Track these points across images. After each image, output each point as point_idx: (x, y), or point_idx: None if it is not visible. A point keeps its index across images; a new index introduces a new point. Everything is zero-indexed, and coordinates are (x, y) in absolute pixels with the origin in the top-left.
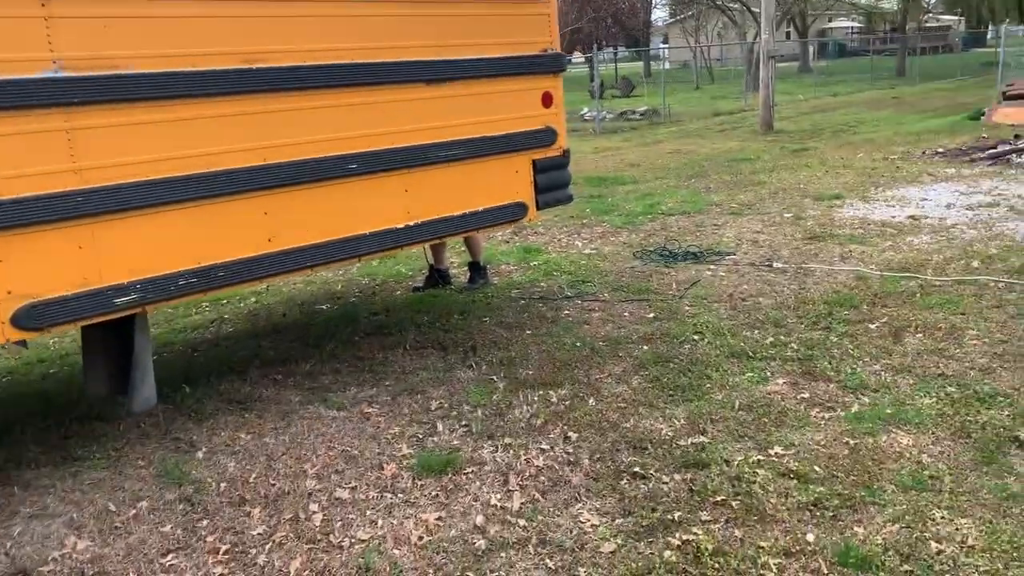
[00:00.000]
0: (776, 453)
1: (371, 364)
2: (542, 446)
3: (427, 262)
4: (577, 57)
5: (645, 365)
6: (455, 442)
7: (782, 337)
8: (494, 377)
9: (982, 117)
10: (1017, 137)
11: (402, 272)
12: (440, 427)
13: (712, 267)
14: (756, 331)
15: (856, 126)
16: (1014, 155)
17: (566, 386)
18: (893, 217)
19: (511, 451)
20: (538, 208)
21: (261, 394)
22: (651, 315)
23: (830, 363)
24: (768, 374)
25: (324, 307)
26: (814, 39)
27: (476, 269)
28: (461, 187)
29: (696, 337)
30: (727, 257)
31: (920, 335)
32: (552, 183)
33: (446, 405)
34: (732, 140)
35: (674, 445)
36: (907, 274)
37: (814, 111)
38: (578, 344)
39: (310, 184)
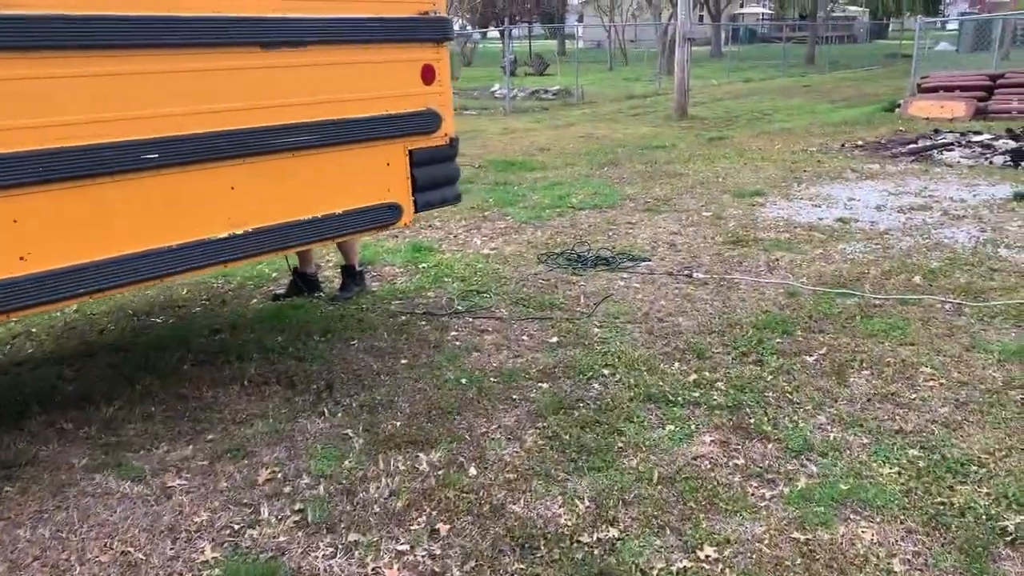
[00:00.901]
0: (708, 557)
1: (195, 408)
2: (399, 546)
3: (288, 265)
4: (491, 32)
5: (543, 413)
6: (281, 538)
7: (707, 373)
8: (350, 431)
9: (897, 109)
10: (936, 132)
11: (264, 273)
12: (265, 512)
13: (625, 276)
14: (676, 363)
15: (771, 114)
16: (935, 151)
17: (442, 445)
18: (820, 220)
19: (355, 556)
20: (416, 210)
21: (37, 453)
22: (554, 339)
23: (766, 413)
24: (693, 427)
25: (159, 320)
26: (727, 23)
27: (350, 275)
28: (311, 184)
29: (606, 372)
30: (642, 264)
31: (867, 372)
32: (434, 179)
33: (279, 475)
34: (646, 125)
35: (575, 543)
36: (843, 290)
37: (727, 97)
38: (463, 381)
39: (78, 181)
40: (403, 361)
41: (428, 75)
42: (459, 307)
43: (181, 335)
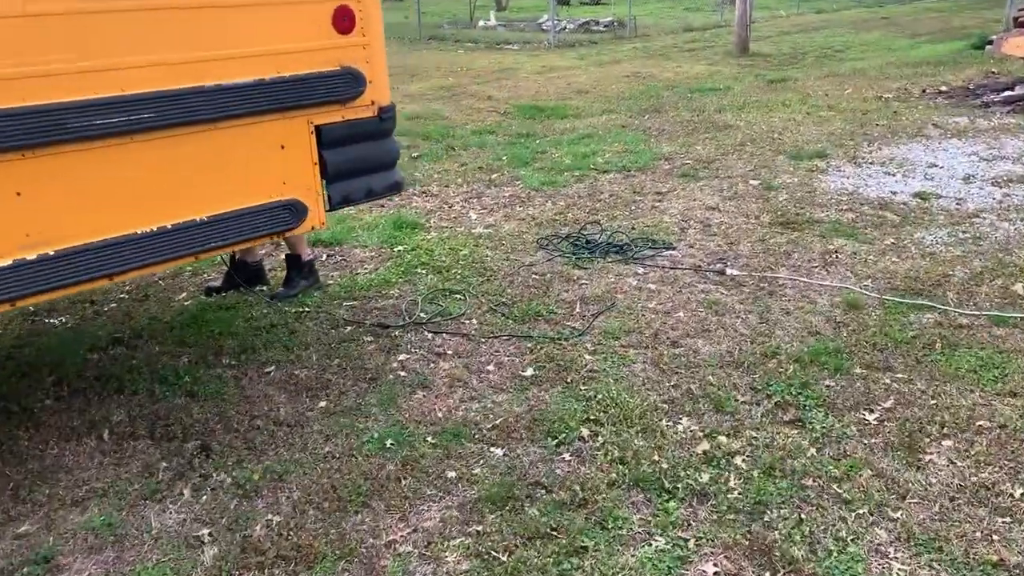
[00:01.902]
0: None
1: (27, 476)
2: None
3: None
4: None
5: (482, 509)
6: None
7: (724, 440)
8: (207, 532)
9: (988, 47)
10: None
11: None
12: None
13: (641, 271)
14: (685, 420)
15: (843, 51)
16: None
17: (322, 565)
18: (894, 195)
19: None
20: (331, 207)
21: None
22: (529, 371)
23: (800, 523)
24: (691, 544)
25: (57, 321)
26: None
27: (295, 267)
28: (154, 184)
29: (586, 432)
30: (664, 252)
31: (949, 444)
32: (357, 164)
33: None
34: (701, 63)
35: None
36: (920, 300)
37: (795, 30)
38: (389, 443)
39: None
40: (322, 404)
41: (344, 21)
42: (421, 315)
43: (68, 349)
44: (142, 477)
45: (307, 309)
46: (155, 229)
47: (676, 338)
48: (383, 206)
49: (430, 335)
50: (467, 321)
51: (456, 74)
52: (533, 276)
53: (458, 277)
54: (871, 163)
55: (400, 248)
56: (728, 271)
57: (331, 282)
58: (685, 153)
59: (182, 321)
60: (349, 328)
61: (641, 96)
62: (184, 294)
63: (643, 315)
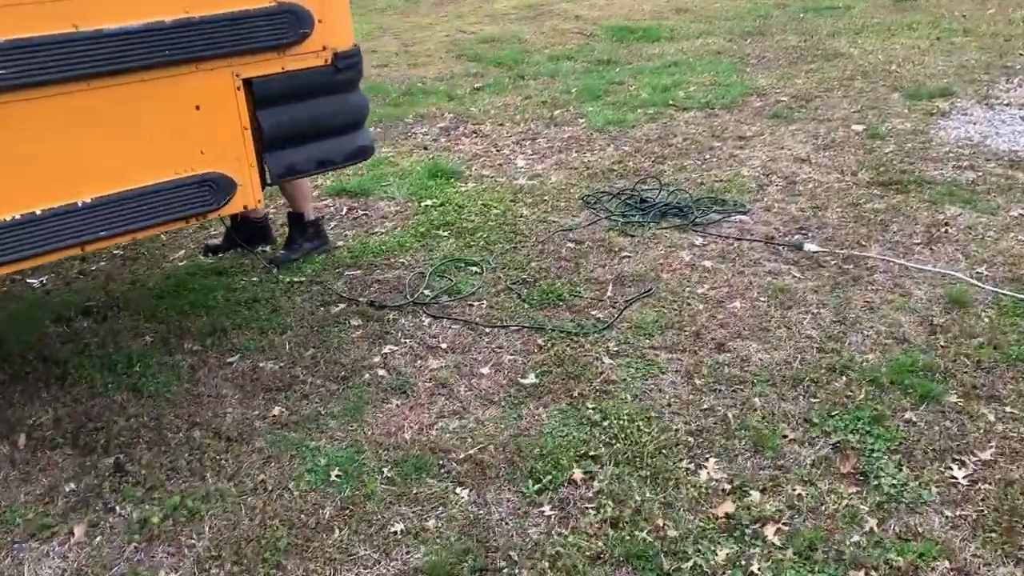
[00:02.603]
0: None
1: None
2: None
3: None
4: None
5: None
6: None
7: (756, 497)
8: None
9: None
10: None
11: None
12: None
13: (699, 241)
14: (712, 461)
15: None
16: None
17: None
18: None
19: None
20: (270, 180)
21: None
22: (531, 377)
23: None
24: None
25: (36, 283)
26: None
27: (298, 226)
28: (13, 155)
29: (578, 476)
30: (734, 217)
31: None
32: (304, 127)
33: None
34: None
35: None
36: None
37: None
38: (336, 476)
39: None
40: (276, 410)
41: None
42: (425, 292)
43: (32, 319)
44: (42, 502)
45: (302, 279)
46: (17, 218)
47: (724, 339)
48: (426, 147)
49: (427, 320)
50: (475, 304)
51: None
52: (568, 244)
53: (482, 243)
54: (1007, 105)
55: (428, 203)
56: (807, 246)
57: (341, 243)
58: (782, 87)
59: (163, 288)
60: (340, 307)
61: (747, 15)
62: (181, 252)
63: (688, 304)
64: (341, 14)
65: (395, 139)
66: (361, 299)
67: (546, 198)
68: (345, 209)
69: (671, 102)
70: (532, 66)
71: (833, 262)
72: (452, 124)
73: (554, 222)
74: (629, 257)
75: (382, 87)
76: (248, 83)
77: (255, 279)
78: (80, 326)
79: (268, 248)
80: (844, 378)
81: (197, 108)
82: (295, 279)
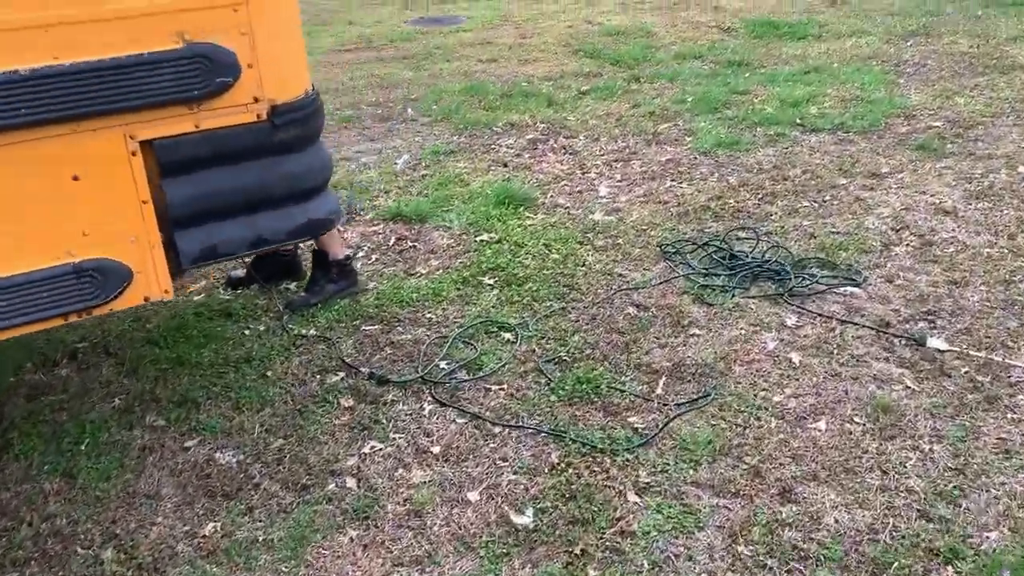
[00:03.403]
0: None
1: None
2: None
3: None
4: None
5: None
6: None
7: None
8: None
9: None
10: None
11: None
12: None
13: (792, 320)
14: None
15: None
16: None
17: None
18: None
19: None
20: (182, 265)
21: None
22: (528, 513)
23: None
24: None
25: None
26: None
27: (321, 266)
28: None
29: None
30: (843, 288)
31: None
32: (228, 199)
33: None
34: None
35: None
36: None
37: None
38: None
39: None
40: (208, 529)
41: None
42: (441, 365)
43: (16, 357)
44: None
45: (311, 332)
46: None
47: (792, 480)
48: (506, 164)
49: (429, 408)
50: (493, 387)
51: None
52: (629, 310)
53: (528, 298)
54: None
55: (485, 237)
56: (931, 341)
57: (373, 285)
58: (938, 108)
59: (162, 331)
60: (338, 376)
61: (914, 11)
62: (202, 283)
63: (757, 419)
64: (283, 56)
65: (475, 152)
66: (363, 368)
67: (619, 241)
68: (394, 239)
69: (799, 120)
70: (652, 66)
71: (964, 369)
72: (542, 136)
73: (620, 276)
74: (698, 336)
75: (482, 87)
76: (148, 146)
77: (262, 327)
78: (59, 374)
79: (294, 285)
80: (950, 569)
81: (75, 179)
82: (303, 331)
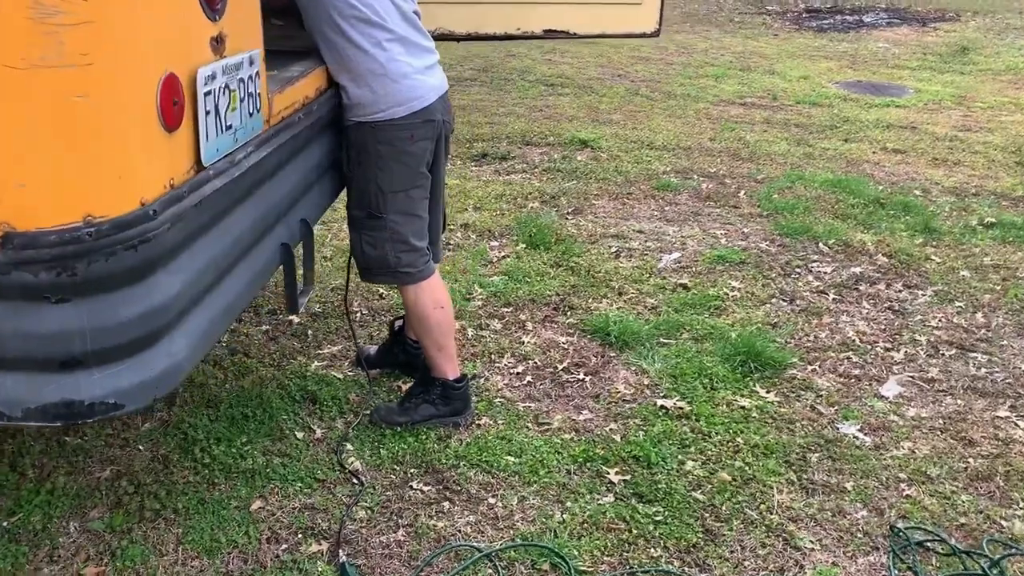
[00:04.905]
0: None
1: None
2: None
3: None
4: None
5: None
6: None
7: None
8: None
9: None
10: None
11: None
12: None
13: None
14: None
15: None
16: None
17: None
18: None
19: None
20: None
21: None
22: None
23: None
24: None
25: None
26: None
27: (423, 380)
28: None
29: None
30: None
31: None
32: None
33: None
34: None
35: None
36: None
37: None
38: None
39: None
40: None
41: None
42: None
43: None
44: None
45: (349, 470)
46: None
47: None
48: (793, 299)
49: None
50: None
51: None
52: None
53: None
54: None
55: (668, 403)
56: None
57: (485, 420)
58: None
59: (226, 405)
60: (316, 547)
61: None
62: (335, 348)
63: None
64: (34, 160)
65: (766, 271)
66: (344, 558)
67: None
68: (567, 362)
69: (972, 225)
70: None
71: None
72: (874, 273)
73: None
74: None
75: (854, 185)
76: None
77: (318, 432)
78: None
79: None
80: None
81: None
82: (339, 469)
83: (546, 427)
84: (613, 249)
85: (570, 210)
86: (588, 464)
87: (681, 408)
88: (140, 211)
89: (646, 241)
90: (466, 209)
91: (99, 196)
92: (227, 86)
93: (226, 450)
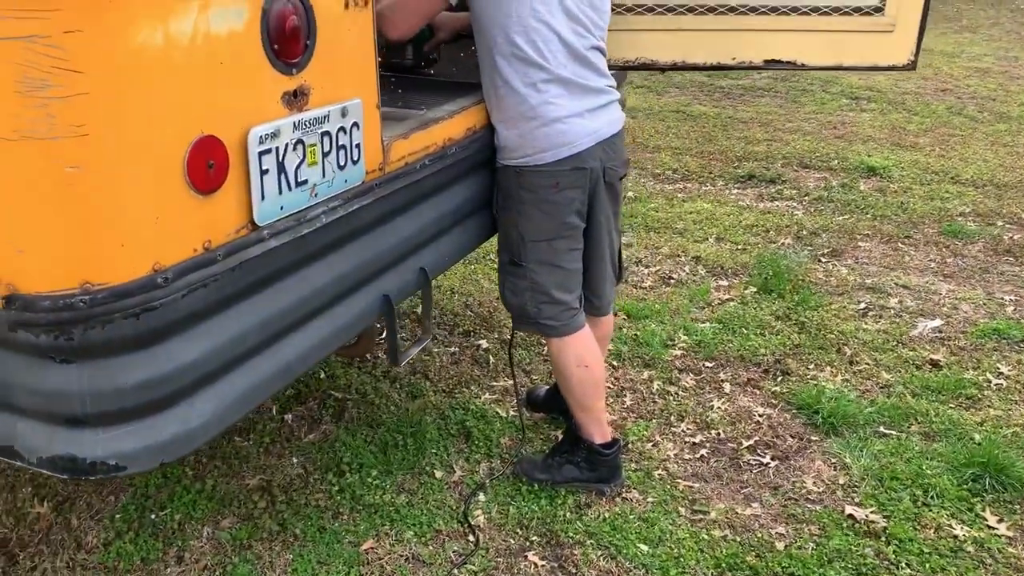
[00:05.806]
0: None
1: None
2: None
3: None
4: None
5: None
6: None
7: None
8: None
9: None
10: None
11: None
12: None
13: None
14: None
15: None
16: None
17: None
18: None
19: None
20: None
21: None
22: None
23: None
24: None
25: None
26: None
27: (570, 439)
28: None
29: None
30: None
31: None
32: None
33: None
34: None
35: None
36: None
37: None
38: None
39: None
40: None
41: None
42: None
43: None
44: None
45: (487, 516)
46: None
47: None
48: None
49: None
50: None
51: None
52: None
53: None
54: None
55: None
56: None
57: (635, 495)
58: None
59: (370, 428)
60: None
61: None
62: (496, 386)
63: None
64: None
65: None
66: None
67: None
68: (755, 439)
69: None
70: None
71: None
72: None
73: None
74: None
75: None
76: None
77: (457, 474)
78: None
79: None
80: None
81: None
82: (460, 522)
83: (700, 517)
84: (861, 305)
85: (826, 251)
86: (731, 572)
87: (873, 522)
88: (147, 278)
89: (907, 299)
90: (706, 239)
91: (98, 263)
92: (301, 141)
93: (362, 479)
